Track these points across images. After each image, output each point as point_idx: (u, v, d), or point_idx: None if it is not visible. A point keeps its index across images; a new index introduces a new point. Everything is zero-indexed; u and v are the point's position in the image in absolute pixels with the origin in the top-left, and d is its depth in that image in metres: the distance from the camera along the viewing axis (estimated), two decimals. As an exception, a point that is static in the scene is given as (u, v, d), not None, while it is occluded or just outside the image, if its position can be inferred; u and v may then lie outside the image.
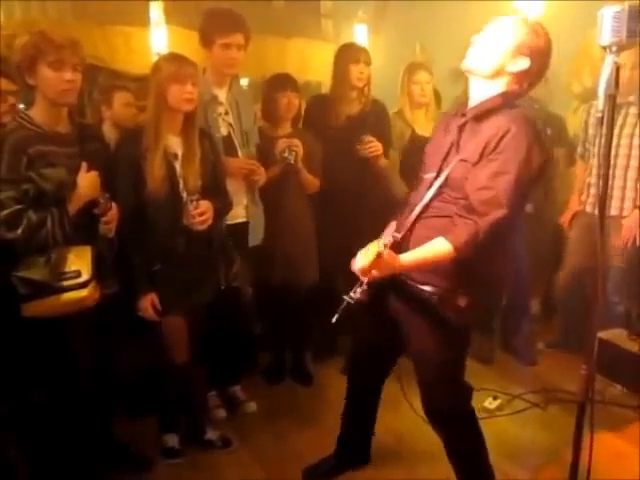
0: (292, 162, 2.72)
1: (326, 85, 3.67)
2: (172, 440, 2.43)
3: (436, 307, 1.76)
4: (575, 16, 3.40)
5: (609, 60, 1.27)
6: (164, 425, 2.46)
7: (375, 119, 3.02)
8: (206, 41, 2.47)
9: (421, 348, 1.90)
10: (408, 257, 1.72)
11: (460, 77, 4.41)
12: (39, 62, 1.84)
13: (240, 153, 2.59)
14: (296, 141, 2.75)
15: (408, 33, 4.64)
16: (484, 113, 1.71)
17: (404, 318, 1.90)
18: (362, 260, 1.69)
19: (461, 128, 1.78)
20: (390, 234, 1.86)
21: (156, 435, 2.47)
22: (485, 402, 2.86)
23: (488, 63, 1.71)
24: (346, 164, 2.92)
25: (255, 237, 2.69)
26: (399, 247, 1.78)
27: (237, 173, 2.55)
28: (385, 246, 1.69)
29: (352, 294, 1.75)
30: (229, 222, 2.54)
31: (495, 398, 2.87)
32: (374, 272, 1.68)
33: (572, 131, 3.53)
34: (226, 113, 2.57)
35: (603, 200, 1.40)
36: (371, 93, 3.03)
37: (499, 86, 1.72)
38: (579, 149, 3.29)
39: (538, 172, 1.65)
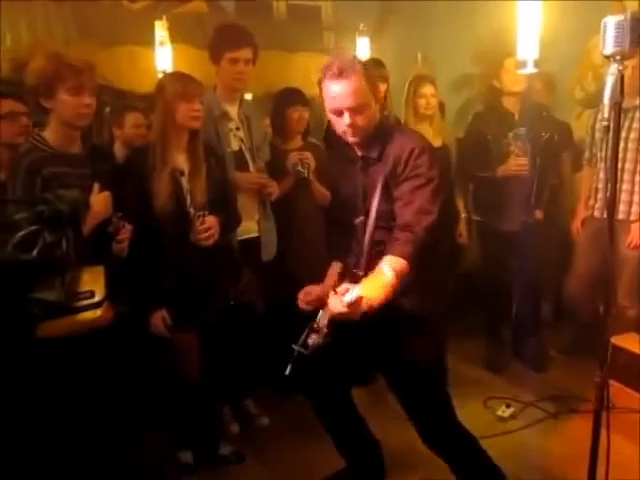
0: (305, 175, 2.75)
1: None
2: (187, 456, 2.44)
3: (415, 319, 1.86)
4: (577, 23, 3.44)
5: (613, 69, 1.29)
6: (178, 441, 2.47)
7: None
8: (215, 56, 2.51)
9: (407, 365, 1.94)
10: (382, 288, 1.74)
11: (462, 87, 4.47)
12: (58, 87, 1.86)
13: (252, 168, 2.62)
14: (308, 154, 2.79)
15: (410, 45, 4.67)
16: (384, 147, 1.85)
17: (380, 341, 1.94)
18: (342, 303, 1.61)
19: (363, 170, 1.92)
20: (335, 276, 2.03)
21: (163, 452, 2.48)
22: (498, 410, 2.86)
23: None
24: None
25: (268, 252, 2.70)
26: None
27: (249, 188, 2.57)
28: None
29: (309, 341, 1.81)
30: (240, 237, 2.56)
31: (508, 406, 2.86)
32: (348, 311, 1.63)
33: (576, 137, 3.54)
34: (237, 129, 2.60)
35: (612, 205, 1.40)
36: (390, 109, 3.04)
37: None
38: (586, 154, 3.30)
39: (440, 176, 1.81)
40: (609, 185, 1.44)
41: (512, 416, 2.81)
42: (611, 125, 1.33)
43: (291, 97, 2.92)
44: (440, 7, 4.46)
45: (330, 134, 3.07)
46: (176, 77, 2.27)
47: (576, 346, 3.35)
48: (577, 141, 3.51)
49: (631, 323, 3.07)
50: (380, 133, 1.87)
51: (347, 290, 1.60)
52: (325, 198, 2.91)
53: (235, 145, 2.59)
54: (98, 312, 1.93)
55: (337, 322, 1.75)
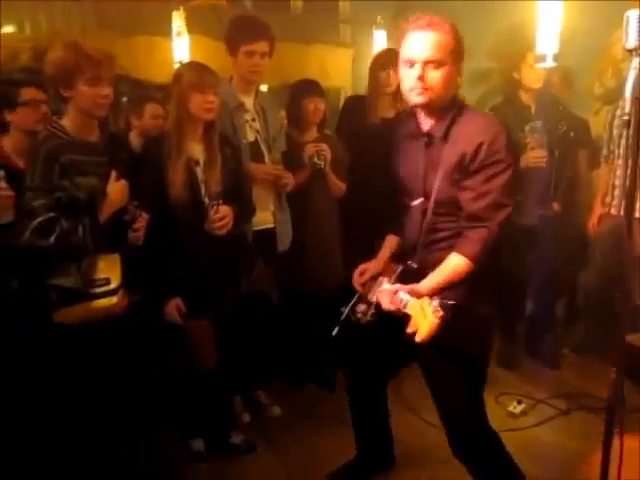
0: (322, 167, 2.76)
1: (346, 91, 3.71)
2: (198, 444, 2.46)
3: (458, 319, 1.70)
4: (596, 19, 3.39)
5: (635, 63, 1.27)
6: (191, 429, 2.49)
7: None
8: (232, 49, 2.51)
9: (447, 364, 1.82)
10: (429, 283, 1.71)
11: (479, 81, 4.43)
12: (77, 78, 1.87)
13: (267, 159, 2.62)
14: (324, 146, 2.78)
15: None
16: (450, 126, 1.72)
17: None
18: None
19: (426, 147, 1.78)
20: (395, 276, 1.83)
21: (175, 440, 2.50)
22: (510, 407, 2.85)
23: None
24: (379, 166, 2.95)
25: (282, 243, 2.71)
26: (408, 275, 1.79)
27: (265, 179, 2.57)
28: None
29: (357, 308, 1.79)
30: (256, 228, 2.57)
31: (519, 402, 2.86)
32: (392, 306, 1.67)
33: (594, 133, 3.50)
34: (253, 120, 2.60)
35: (630, 202, 1.39)
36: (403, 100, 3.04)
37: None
38: (604, 151, 3.26)
39: (515, 165, 1.70)
40: (628, 181, 1.42)
41: (523, 412, 2.80)
42: (632, 120, 1.31)
43: (307, 88, 2.91)
44: (457, 2, 4.41)
45: (347, 120, 3.09)
46: (192, 67, 2.27)
47: (588, 345, 3.33)
48: (595, 137, 3.48)
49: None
50: (450, 110, 1.72)
51: (397, 291, 1.64)
52: (340, 190, 2.92)
53: (251, 136, 2.59)
54: (114, 299, 1.95)
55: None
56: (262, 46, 2.47)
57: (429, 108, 1.72)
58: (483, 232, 1.66)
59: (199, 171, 2.23)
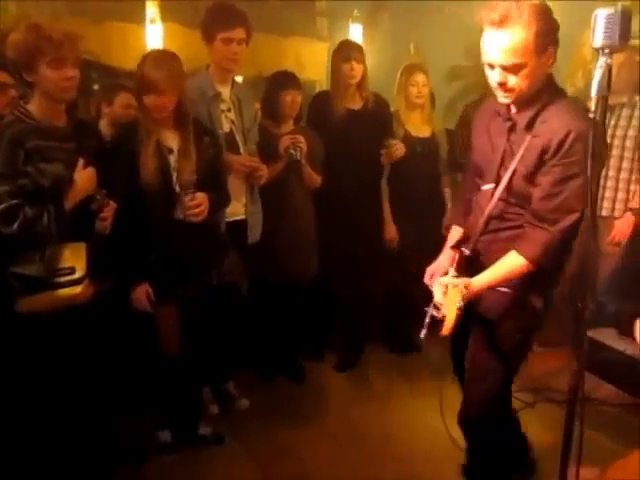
0: (298, 158, 2.75)
1: (321, 84, 3.70)
2: (165, 436, 2.45)
3: (510, 308, 1.75)
4: (570, 18, 3.43)
5: (601, 62, 1.29)
6: (158, 421, 2.47)
7: (378, 113, 3.08)
8: (208, 36, 2.48)
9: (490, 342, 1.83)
10: (484, 279, 1.69)
11: (454, 79, 4.47)
12: (38, 61, 1.81)
13: (242, 150, 2.61)
14: (300, 137, 2.78)
15: (403, 34, 4.66)
16: (534, 117, 1.62)
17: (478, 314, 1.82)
18: (447, 313, 1.61)
19: (509, 132, 1.69)
20: (451, 263, 1.80)
21: (143, 432, 2.48)
22: (476, 399, 2.88)
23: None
24: (348, 158, 2.97)
25: (253, 234, 2.70)
26: (469, 262, 1.76)
27: (240, 170, 2.56)
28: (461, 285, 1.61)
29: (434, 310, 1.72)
30: (228, 219, 2.56)
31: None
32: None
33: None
34: (229, 110, 2.58)
35: (594, 201, 1.41)
36: (368, 89, 3.07)
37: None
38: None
39: (601, 165, 1.64)
40: (590, 180, 1.43)
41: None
42: (597, 118, 1.33)
43: (285, 80, 2.90)
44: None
45: (315, 113, 3.08)
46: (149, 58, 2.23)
47: (556, 340, 3.38)
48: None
49: (610, 319, 3.12)
50: (538, 100, 1.61)
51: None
52: (315, 182, 2.93)
53: (226, 127, 2.57)
54: (78, 289, 1.91)
55: None
56: (239, 33, 2.45)
57: (517, 102, 1.64)
58: (545, 235, 1.61)
59: (172, 159, 2.21)
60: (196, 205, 2.17)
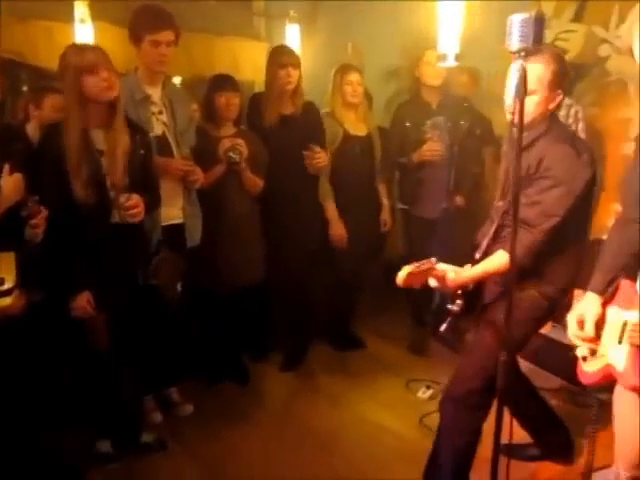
0: (237, 161, 2.74)
1: (259, 84, 3.69)
2: (105, 445, 2.40)
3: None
4: (502, 20, 3.56)
5: (517, 65, 1.36)
6: (98, 430, 2.42)
7: (309, 120, 3.10)
8: (135, 38, 2.45)
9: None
10: (472, 271, 1.94)
11: (391, 79, 4.54)
12: None
13: (176, 153, 2.57)
14: (240, 141, 2.78)
15: (341, 33, 4.69)
16: (532, 141, 1.89)
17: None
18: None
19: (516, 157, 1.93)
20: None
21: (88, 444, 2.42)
22: (419, 392, 2.97)
23: None
24: (283, 162, 2.98)
25: (192, 238, 2.67)
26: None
27: (174, 174, 2.52)
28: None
29: (458, 301, 1.97)
30: (165, 223, 2.53)
31: (428, 387, 2.98)
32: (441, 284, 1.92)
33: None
34: (160, 112, 2.54)
35: (516, 200, 1.48)
36: (303, 95, 3.11)
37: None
38: (503, 148, 3.43)
39: (585, 187, 1.84)
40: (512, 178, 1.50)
41: (432, 397, 2.92)
42: (515, 119, 1.40)
43: (220, 83, 2.90)
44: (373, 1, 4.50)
45: (254, 115, 3.08)
46: (75, 50, 2.16)
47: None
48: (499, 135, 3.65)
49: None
50: (539, 126, 1.90)
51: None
52: (257, 187, 2.92)
53: (158, 129, 2.53)
54: (8, 300, 1.84)
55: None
56: (168, 35, 2.42)
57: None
58: (529, 236, 1.85)
59: (103, 161, 2.15)
60: (133, 206, 2.13)
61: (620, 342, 1.51)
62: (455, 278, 1.92)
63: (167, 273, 2.47)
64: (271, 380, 3.16)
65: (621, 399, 1.61)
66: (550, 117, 1.93)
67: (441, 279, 1.91)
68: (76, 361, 2.31)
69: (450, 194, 3.24)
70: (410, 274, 1.79)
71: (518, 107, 1.35)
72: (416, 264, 1.84)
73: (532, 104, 1.84)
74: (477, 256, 2.00)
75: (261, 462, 2.47)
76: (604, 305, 1.65)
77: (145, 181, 2.27)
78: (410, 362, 3.35)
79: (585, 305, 1.66)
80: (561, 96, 1.90)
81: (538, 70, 1.81)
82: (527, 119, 1.81)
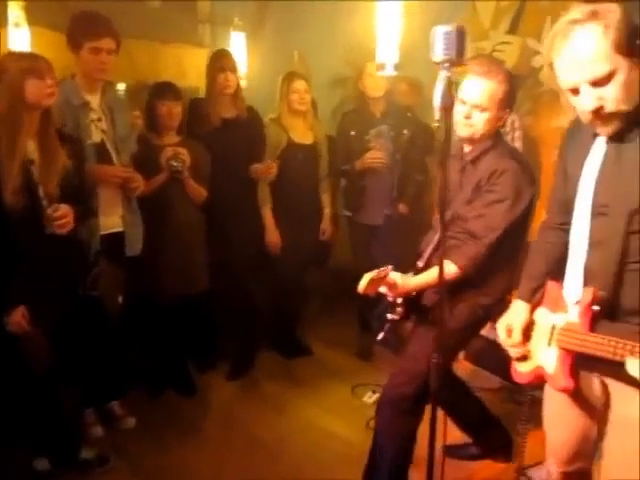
0: (180, 169, 2.73)
1: (204, 91, 3.66)
2: (42, 463, 2.32)
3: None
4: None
5: (442, 75, 1.40)
6: (34, 448, 2.33)
7: (251, 124, 3.13)
8: (74, 45, 2.42)
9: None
10: (418, 279, 2.01)
11: (337, 87, 4.59)
12: None
13: (115, 160, 2.54)
14: (183, 150, 2.78)
15: (288, 41, 4.72)
16: (479, 155, 2.01)
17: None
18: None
19: (462, 170, 2.07)
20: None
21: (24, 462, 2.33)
22: (364, 397, 3.01)
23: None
24: (224, 166, 2.98)
25: (132, 247, 2.63)
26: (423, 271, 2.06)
27: (112, 181, 2.49)
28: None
29: (393, 314, 2.08)
30: (104, 232, 2.49)
31: (374, 392, 3.00)
32: (391, 291, 1.98)
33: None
34: (99, 119, 2.51)
35: (443, 203, 1.52)
36: (244, 99, 3.14)
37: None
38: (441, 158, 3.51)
39: (528, 203, 1.94)
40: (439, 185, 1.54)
41: (377, 402, 2.94)
42: (442, 128, 1.44)
43: (160, 91, 2.88)
44: (316, 8, 4.54)
45: (193, 120, 3.07)
46: (19, 56, 2.15)
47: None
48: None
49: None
50: (485, 142, 2.00)
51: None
52: (200, 195, 2.91)
53: (97, 137, 2.49)
54: None
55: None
56: (108, 42, 2.41)
57: (470, 140, 2.01)
58: (474, 248, 1.96)
59: (35, 171, 2.09)
60: (60, 216, 2.08)
61: (549, 345, 1.56)
62: (403, 285, 1.98)
63: (106, 284, 2.42)
64: (218, 389, 3.12)
65: (551, 399, 1.66)
66: (496, 133, 2.03)
67: (392, 286, 1.97)
68: (13, 377, 2.22)
69: (393, 201, 3.31)
70: (371, 281, 1.85)
71: (445, 116, 1.39)
72: (376, 271, 1.91)
73: (483, 121, 1.95)
74: (420, 265, 2.07)
75: (208, 474, 2.44)
76: (534, 308, 1.70)
77: (76, 191, 2.22)
78: (356, 367, 3.38)
79: (513, 313, 1.69)
80: (508, 114, 2.01)
81: (492, 89, 1.91)
82: (477, 135, 1.98)
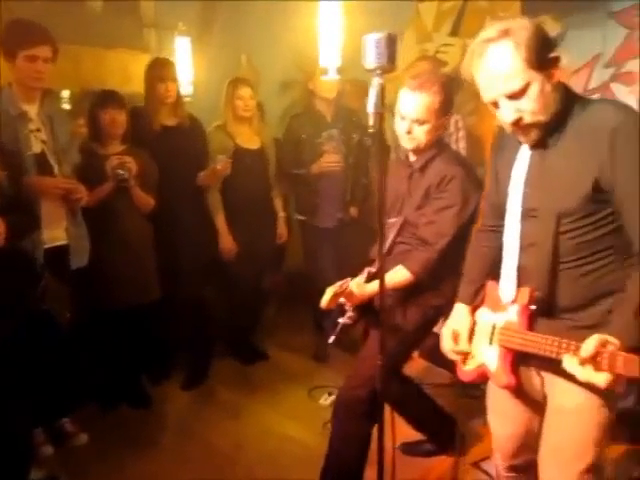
0: (126, 178, 2.70)
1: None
2: (-11, 487, 2.23)
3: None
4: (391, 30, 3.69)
5: (375, 82, 1.42)
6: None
7: (194, 130, 3.13)
8: (9, 54, 2.35)
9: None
10: (373, 286, 2.02)
11: (286, 90, 4.60)
12: None
13: (57, 171, 2.47)
14: (129, 158, 2.73)
15: (235, 45, 4.70)
16: (426, 163, 2.07)
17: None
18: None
19: (410, 177, 2.12)
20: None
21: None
22: (321, 399, 3.02)
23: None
24: (168, 174, 2.96)
25: (77, 259, 2.57)
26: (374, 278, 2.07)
27: (53, 193, 2.43)
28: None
29: (344, 319, 2.07)
30: (47, 245, 2.41)
31: (330, 394, 3.02)
32: (349, 300, 2.03)
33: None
34: (38, 130, 2.44)
35: (382, 206, 1.54)
36: (184, 106, 3.13)
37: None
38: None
39: (475, 206, 2.02)
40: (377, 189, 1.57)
41: (333, 404, 2.95)
42: (376, 132, 1.47)
43: (103, 99, 2.83)
44: (263, 10, 4.53)
45: (134, 129, 3.02)
46: None
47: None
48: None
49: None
50: (431, 149, 2.06)
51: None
52: (147, 204, 2.87)
53: (37, 147, 2.42)
54: None
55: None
56: (44, 50, 2.34)
57: (416, 150, 2.08)
58: (425, 254, 2.03)
59: None
60: None
61: (491, 343, 1.60)
62: (360, 293, 2.03)
63: (52, 298, 2.36)
64: (173, 400, 3.09)
65: (494, 395, 1.70)
66: (439, 139, 2.10)
67: (349, 295, 2.03)
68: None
69: (346, 205, 3.34)
70: (334, 295, 1.94)
71: (377, 121, 1.41)
72: (338, 284, 1.99)
73: (424, 132, 2.02)
74: (372, 270, 2.12)
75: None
76: (475, 310, 1.74)
77: (13, 203, 2.15)
78: (312, 370, 3.40)
79: (457, 318, 1.71)
80: (448, 120, 2.10)
81: (427, 102, 1.97)
82: (421, 145, 2.06)
